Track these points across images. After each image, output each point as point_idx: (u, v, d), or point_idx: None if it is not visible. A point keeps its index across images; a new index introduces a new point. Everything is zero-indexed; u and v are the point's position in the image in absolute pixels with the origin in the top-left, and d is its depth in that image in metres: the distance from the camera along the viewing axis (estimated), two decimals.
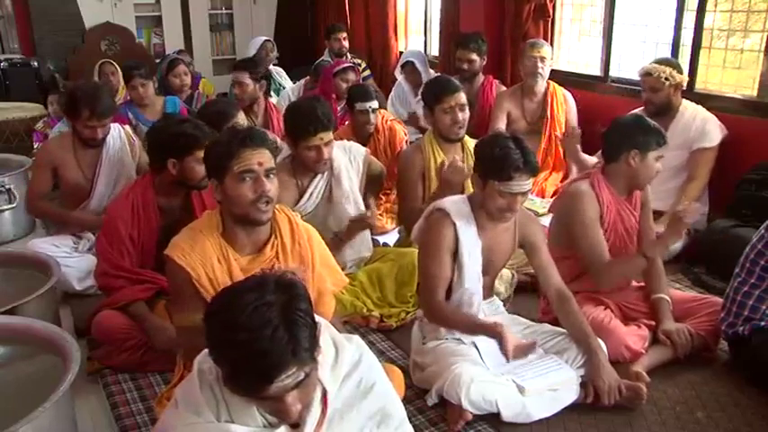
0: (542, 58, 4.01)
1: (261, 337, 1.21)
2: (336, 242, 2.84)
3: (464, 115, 2.98)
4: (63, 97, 4.67)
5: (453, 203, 2.31)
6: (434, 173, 3.02)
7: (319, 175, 2.90)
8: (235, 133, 1.94)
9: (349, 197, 2.96)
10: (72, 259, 3.06)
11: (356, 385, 1.48)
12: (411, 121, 4.77)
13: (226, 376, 1.29)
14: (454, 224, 2.25)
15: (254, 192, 1.89)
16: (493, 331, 2.23)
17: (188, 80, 4.75)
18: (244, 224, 1.96)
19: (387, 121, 3.97)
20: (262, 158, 1.90)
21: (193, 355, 1.50)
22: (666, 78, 3.32)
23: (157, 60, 6.73)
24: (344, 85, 4.39)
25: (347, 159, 3.03)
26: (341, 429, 1.44)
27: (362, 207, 3.03)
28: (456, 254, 2.26)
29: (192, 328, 1.91)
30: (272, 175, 1.93)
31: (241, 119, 3.16)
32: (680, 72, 3.38)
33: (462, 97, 2.98)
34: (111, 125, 3.23)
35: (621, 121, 2.60)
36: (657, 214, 3.09)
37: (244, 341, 1.21)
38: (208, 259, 1.93)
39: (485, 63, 4.44)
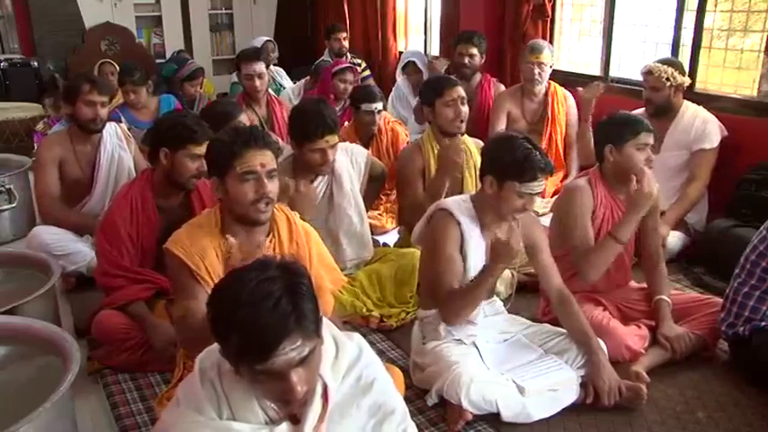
0: (540, 64, 3.94)
1: (264, 308, 1.22)
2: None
3: (465, 109, 3.01)
4: (59, 100, 4.69)
5: (456, 203, 2.30)
6: (434, 170, 3.03)
7: (320, 177, 2.90)
8: (238, 133, 1.95)
9: (350, 199, 2.96)
10: (78, 244, 3.09)
11: (356, 381, 1.48)
12: (417, 113, 4.56)
13: (231, 354, 1.29)
14: (459, 223, 2.25)
15: (255, 192, 1.90)
16: (489, 266, 2.17)
17: (200, 89, 4.71)
18: (243, 223, 1.97)
19: (389, 123, 3.97)
20: (264, 159, 1.92)
21: (193, 352, 1.50)
22: (668, 79, 3.32)
23: (159, 61, 6.73)
24: (342, 86, 4.38)
25: (348, 161, 3.04)
26: (341, 426, 1.44)
27: (363, 208, 3.04)
28: (461, 253, 2.25)
29: (187, 317, 1.91)
30: (273, 176, 1.94)
31: (244, 120, 3.15)
32: (682, 73, 3.37)
33: (462, 91, 3.03)
34: (107, 123, 3.24)
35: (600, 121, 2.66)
36: None
37: (247, 314, 1.22)
38: (206, 254, 1.95)
39: (483, 61, 4.43)
